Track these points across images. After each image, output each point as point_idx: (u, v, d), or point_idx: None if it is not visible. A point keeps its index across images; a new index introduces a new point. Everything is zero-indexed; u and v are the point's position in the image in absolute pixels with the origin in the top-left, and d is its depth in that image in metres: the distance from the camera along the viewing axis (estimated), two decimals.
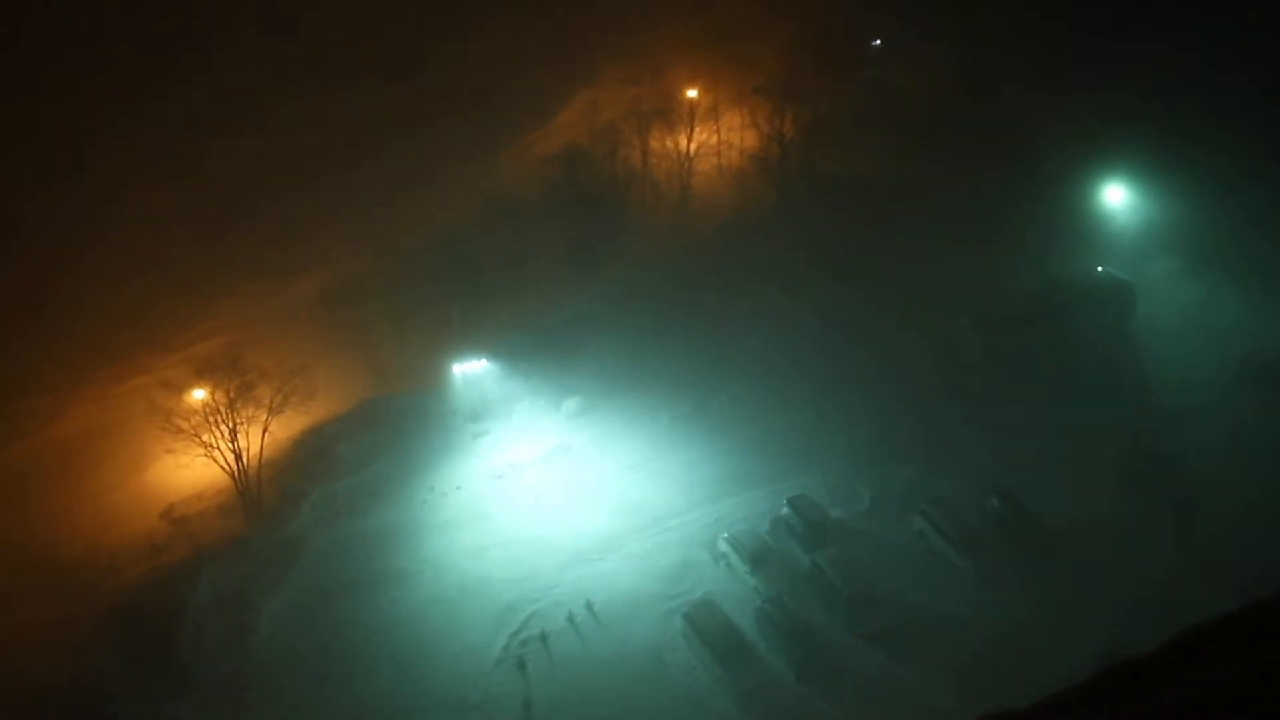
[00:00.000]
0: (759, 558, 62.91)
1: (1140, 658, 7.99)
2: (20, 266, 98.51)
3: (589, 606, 62.69)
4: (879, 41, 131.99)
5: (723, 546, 65.22)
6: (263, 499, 79.12)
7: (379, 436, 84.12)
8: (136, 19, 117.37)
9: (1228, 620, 7.49)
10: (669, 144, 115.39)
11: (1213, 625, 7.66)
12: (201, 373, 78.94)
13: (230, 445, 76.89)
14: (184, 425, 75.64)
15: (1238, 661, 7.16)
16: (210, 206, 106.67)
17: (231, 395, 76.60)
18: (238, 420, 76.89)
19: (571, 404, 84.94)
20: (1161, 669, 7.44)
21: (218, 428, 76.32)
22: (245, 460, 78.12)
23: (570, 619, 62.08)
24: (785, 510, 67.19)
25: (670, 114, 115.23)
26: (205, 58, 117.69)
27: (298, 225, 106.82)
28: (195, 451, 76.34)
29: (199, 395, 77.60)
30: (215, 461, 77.15)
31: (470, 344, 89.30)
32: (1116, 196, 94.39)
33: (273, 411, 79.14)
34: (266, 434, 79.16)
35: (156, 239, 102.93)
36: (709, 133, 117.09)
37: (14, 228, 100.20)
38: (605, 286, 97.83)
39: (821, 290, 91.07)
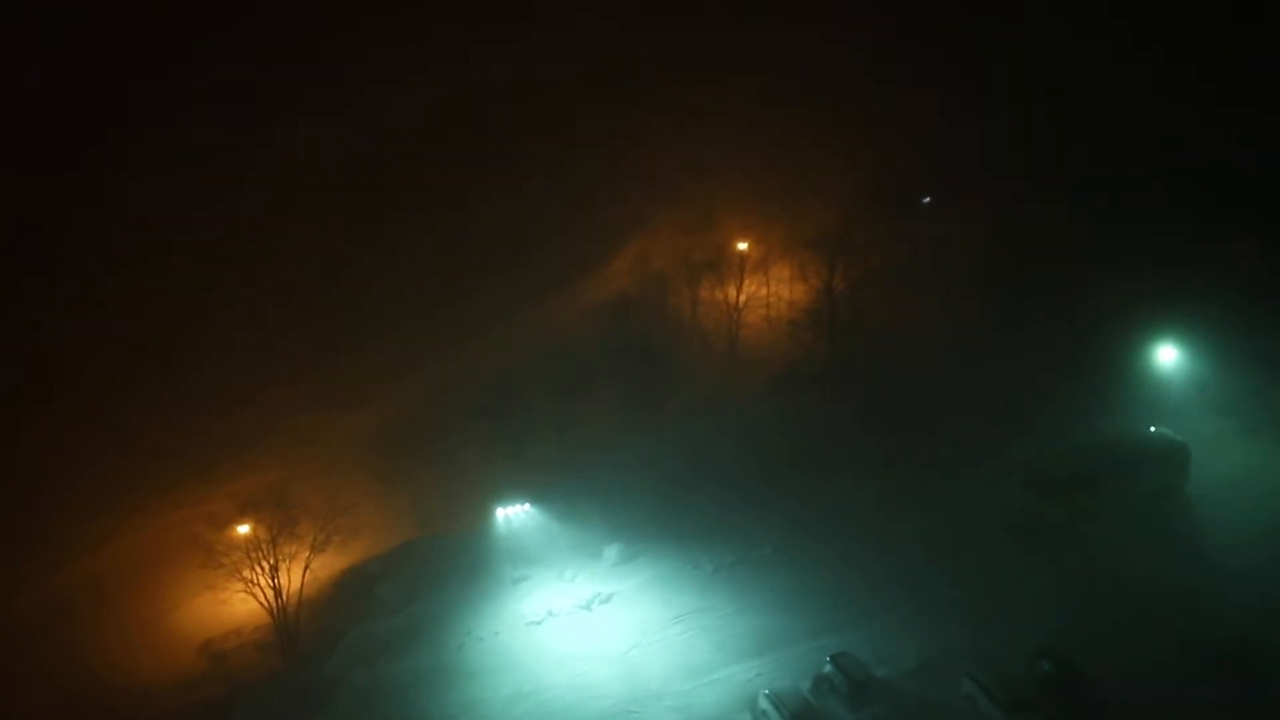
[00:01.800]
0: (800, 717, 61.08)
1: None
2: (87, 399, 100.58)
3: None
4: (929, 199, 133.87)
5: (763, 704, 63.43)
6: (300, 637, 78.77)
7: (419, 578, 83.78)
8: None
9: None
10: (718, 294, 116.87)
11: None
12: (246, 508, 79.62)
13: (270, 582, 76.96)
14: (225, 560, 76.08)
15: None
16: (273, 353, 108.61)
17: (274, 531, 77.06)
18: (279, 557, 77.16)
19: (613, 551, 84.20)
20: None
21: (259, 564, 76.54)
22: (285, 597, 78.06)
23: None
24: (828, 667, 65.43)
25: (720, 265, 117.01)
26: (290, 207, 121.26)
27: (354, 371, 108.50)
28: (235, 587, 76.63)
29: (243, 530, 78.04)
30: (254, 598, 77.19)
31: (515, 487, 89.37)
32: (1169, 356, 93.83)
33: (315, 549, 79.50)
34: (307, 571, 79.17)
35: (218, 380, 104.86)
36: (758, 284, 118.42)
37: (85, 364, 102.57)
38: (652, 434, 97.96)
39: (870, 444, 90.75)
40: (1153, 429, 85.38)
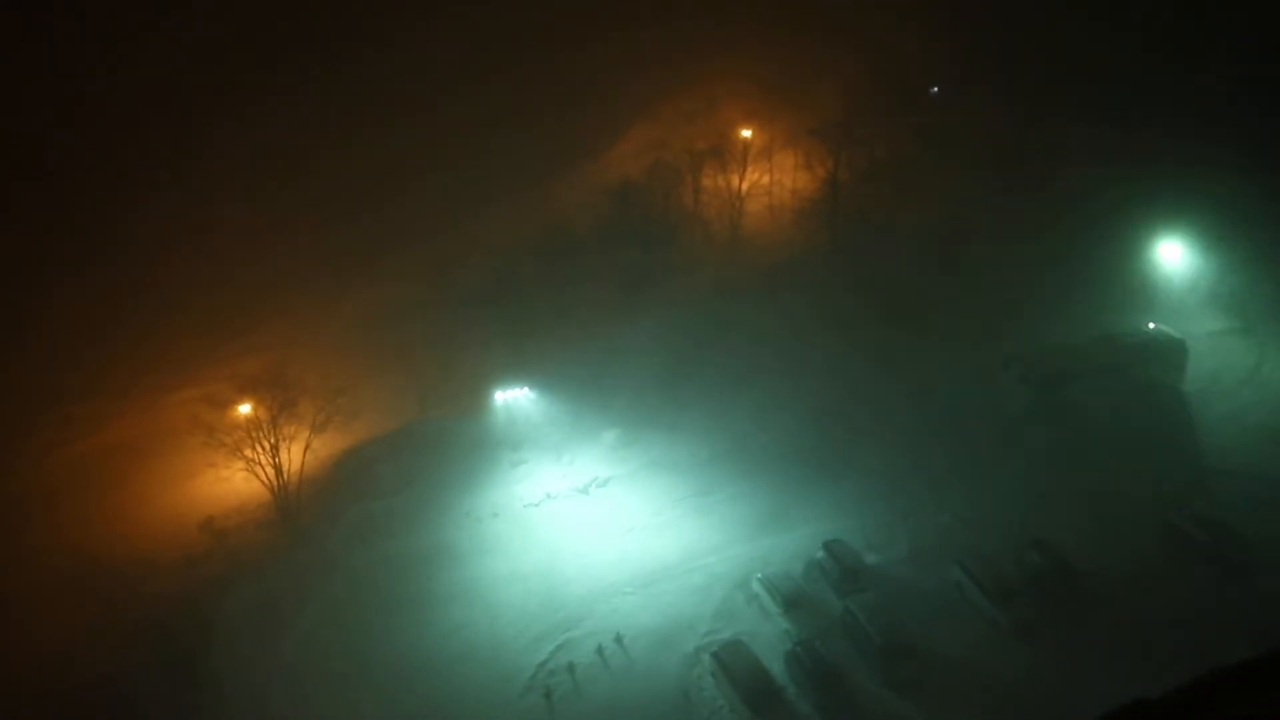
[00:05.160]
0: (792, 600, 62.18)
1: (1152, 699, 7.80)
2: (86, 279, 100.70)
3: (618, 640, 62.28)
4: (936, 89, 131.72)
5: (756, 587, 64.59)
6: (301, 515, 79.67)
7: (419, 459, 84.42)
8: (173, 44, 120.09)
9: (1242, 667, 7.30)
10: (721, 182, 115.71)
11: (1227, 672, 7.45)
12: (246, 388, 79.83)
13: (271, 461, 77.54)
14: (226, 440, 76.51)
15: (1245, 707, 6.99)
16: (268, 227, 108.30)
17: (275, 411, 77.37)
18: (280, 436, 77.59)
19: (611, 436, 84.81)
20: (1171, 712, 7.25)
21: (260, 443, 77.04)
22: (286, 476, 78.72)
23: (599, 651, 61.67)
24: (821, 554, 66.37)
25: (724, 152, 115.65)
26: (283, 81, 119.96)
27: (351, 247, 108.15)
28: (236, 465, 77.22)
29: (244, 410, 78.43)
30: (256, 476, 77.90)
31: (514, 371, 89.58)
32: (1173, 253, 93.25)
33: (315, 429, 79.85)
34: (308, 451, 79.73)
35: (215, 256, 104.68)
36: (762, 172, 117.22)
37: (85, 243, 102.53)
38: (652, 321, 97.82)
39: (870, 335, 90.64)
40: (1151, 325, 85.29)
